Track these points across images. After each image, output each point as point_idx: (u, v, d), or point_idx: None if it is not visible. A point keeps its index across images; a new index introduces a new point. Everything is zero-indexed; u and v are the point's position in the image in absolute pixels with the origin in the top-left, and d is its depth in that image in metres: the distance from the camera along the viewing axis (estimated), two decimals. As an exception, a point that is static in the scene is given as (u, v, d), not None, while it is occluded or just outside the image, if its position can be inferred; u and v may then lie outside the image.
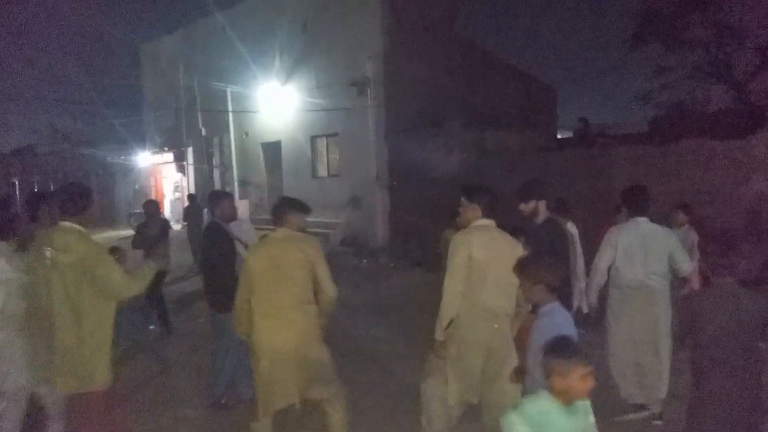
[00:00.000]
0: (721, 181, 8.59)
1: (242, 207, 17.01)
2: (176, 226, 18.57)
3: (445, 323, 3.28)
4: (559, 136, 16.28)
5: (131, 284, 3.03)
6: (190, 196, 13.35)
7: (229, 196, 4.87)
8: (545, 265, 2.66)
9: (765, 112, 8.60)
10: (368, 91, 14.20)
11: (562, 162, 10.50)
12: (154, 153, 21.93)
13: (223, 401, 4.55)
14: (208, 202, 4.79)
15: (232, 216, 4.69)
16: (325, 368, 3.44)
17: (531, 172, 10.71)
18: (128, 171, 23.32)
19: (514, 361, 3.13)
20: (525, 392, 2.74)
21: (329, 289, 3.43)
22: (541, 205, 4.04)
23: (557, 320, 2.56)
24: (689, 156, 8.92)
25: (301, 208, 3.69)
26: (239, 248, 4.54)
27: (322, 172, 16.31)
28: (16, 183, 31.05)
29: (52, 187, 28.33)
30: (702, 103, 14.27)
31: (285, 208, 3.61)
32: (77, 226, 3.00)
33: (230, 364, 4.44)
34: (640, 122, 14.66)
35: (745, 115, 9.75)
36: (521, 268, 2.75)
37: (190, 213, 12.41)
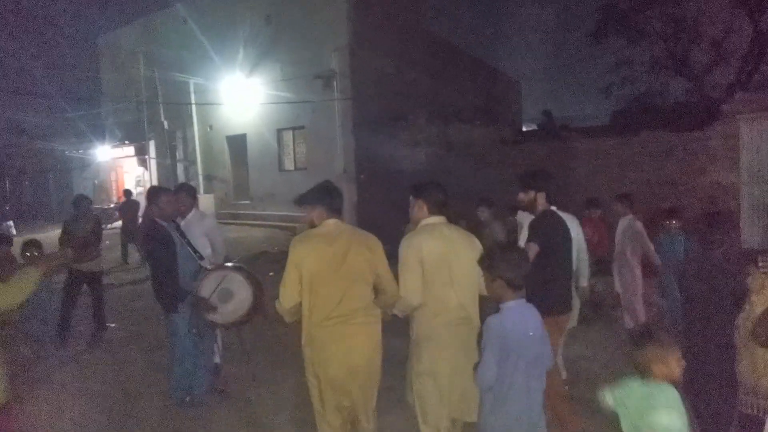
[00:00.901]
0: (680, 171, 8.84)
1: (207, 202, 16.73)
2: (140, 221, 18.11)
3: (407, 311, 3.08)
4: (524, 129, 16.46)
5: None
6: (126, 191, 13.23)
7: (168, 192, 4.53)
8: (504, 260, 2.56)
9: (720, 105, 8.85)
10: (334, 84, 14.10)
11: (525, 155, 10.63)
12: (115, 147, 21.34)
13: (187, 399, 4.46)
14: (146, 200, 4.52)
15: (171, 214, 4.45)
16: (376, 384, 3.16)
17: (495, 166, 10.87)
18: (87, 165, 22.63)
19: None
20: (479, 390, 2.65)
21: (395, 289, 3.06)
22: (540, 196, 3.86)
23: (507, 320, 2.50)
24: (649, 148, 9.15)
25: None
26: (185, 247, 4.34)
27: (289, 165, 16.15)
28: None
29: (7, 183, 27.36)
30: (661, 95, 14.64)
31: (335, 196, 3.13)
32: None
33: (188, 362, 4.34)
34: (602, 115, 14.98)
35: (701, 108, 10.03)
36: (480, 262, 2.72)
37: (126, 208, 12.37)
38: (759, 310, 2.72)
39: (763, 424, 2.72)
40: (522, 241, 4.16)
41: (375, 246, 3.08)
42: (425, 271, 2.98)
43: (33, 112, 23.57)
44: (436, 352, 2.97)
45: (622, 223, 5.91)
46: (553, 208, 3.93)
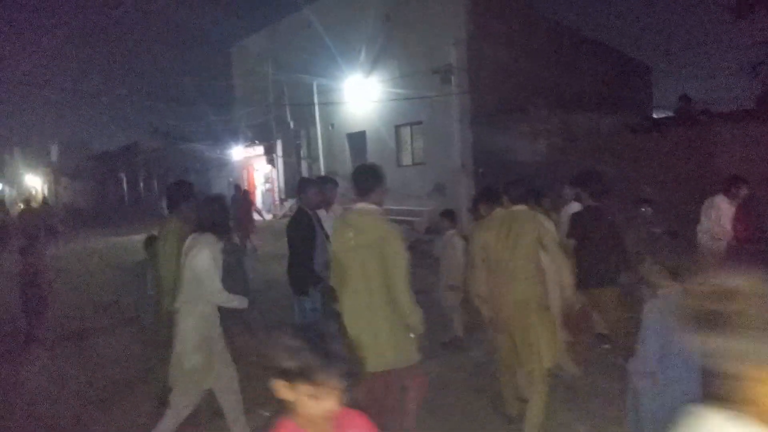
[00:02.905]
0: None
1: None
2: (267, 216, 19.43)
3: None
4: (655, 116, 15.34)
5: None
6: (236, 186, 14.16)
7: (315, 183, 4.97)
8: (667, 248, 2.75)
9: None
10: (452, 78, 14.10)
11: (657, 143, 9.94)
12: (246, 147, 23.02)
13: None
14: (296, 191, 4.95)
15: (317, 203, 4.83)
16: None
17: (622, 155, 10.26)
18: (223, 165, 24.64)
19: None
20: None
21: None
22: (582, 193, 4.58)
23: (666, 306, 2.54)
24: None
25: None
26: (323, 238, 4.64)
27: (407, 160, 16.42)
28: (124, 178, 33.80)
29: (155, 182, 30.56)
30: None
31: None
32: None
33: None
34: (747, 98, 13.54)
35: None
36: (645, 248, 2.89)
37: (235, 203, 12.72)
38: None
39: None
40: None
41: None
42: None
43: (176, 117, 26.08)
44: None
45: None
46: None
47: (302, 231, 4.53)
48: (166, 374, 3.59)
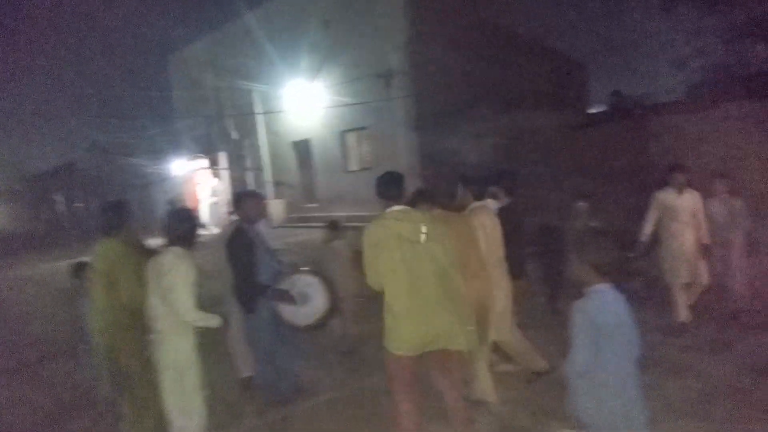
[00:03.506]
0: (765, 144, 8.25)
1: (277, 207, 17.26)
2: (214, 230, 18.98)
3: None
4: (592, 112, 15.85)
5: None
6: (170, 201, 14.04)
7: (252, 196, 4.78)
8: (594, 244, 2.66)
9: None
10: (394, 82, 14.15)
11: (594, 138, 10.26)
12: (189, 160, 22.41)
13: (277, 398, 4.59)
14: (232, 205, 4.79)
15: (255, 217, 4.64)
16: None
17: (564, 152, 10.54)
18: (165, 180, 23.90)
19: None
20: None
21: None
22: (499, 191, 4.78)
23: (594, 304, 2.55)
24: (730, 121, 8.60)
25: None
26: (265, 252, 4.52)
27: (354, 166, 16.37)
28: (60, 198, 32.28)
29: (94, 201, 29.33)
30: (740, 65, 13.67)
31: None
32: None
33: (272, 362, 4.48)
34: (675, 90, 14.15)
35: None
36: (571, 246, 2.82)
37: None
38: None
39: None
40: None
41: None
42: None
43: (115, 132, 25.17)
44: None
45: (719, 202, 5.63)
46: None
47: (242, 248, 4.37)
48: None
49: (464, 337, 3.35)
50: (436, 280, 3.30)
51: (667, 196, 5.55)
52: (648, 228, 5.65)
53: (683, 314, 5.46)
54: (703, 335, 5.22)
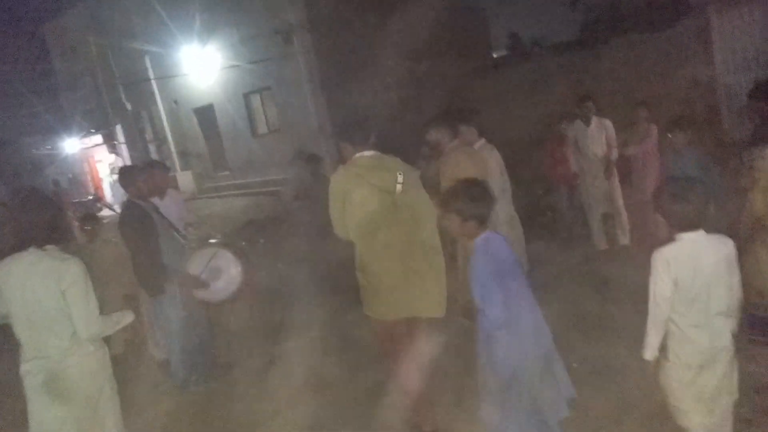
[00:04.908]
0: (655, 73, 8.68)
1: (186, 179, 16.46)
2: (119, 209, 17.75)
3: None
4: (495, 56, 16.09)
5: None
6: (53, 182, 12.94)
7: (141, 169, 4.39)
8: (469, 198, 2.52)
9: None
10: (294, 38, 13.60)
11: (498, 82, 10.42)
12: (83, 137, 20.78)
13: (192, 378, 4.40)
14: (121, 182, 4.32)
15: (149, 193, 4.29)
16: None
17: (471, 97, 10.66)
18: (57, 160, 22.09)
19: None
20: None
21: None
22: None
23: (491, 248, 2.47)
24: (621, 54, 8.97)
25: None
26: (167, 228, 4.23)
27: (262, 129, 15.79)
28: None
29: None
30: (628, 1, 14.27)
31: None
32: None
33: (185, 344, 4.27)
34: (573, 29, 14.61)
35: (670, 5, 9.78)
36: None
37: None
38: (759, 206, 2.66)
39: None
40: None
41: None
42: None
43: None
44: None
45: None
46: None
47: (138, 226, 4.05)
48: None
49: (439, 303, 3.08)
50: (413, 236, 2.98)
51: (577, 128, 5.74)
52: (573, 164, 5.86)
53: (601, 243, 5.74)
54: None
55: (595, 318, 4.23)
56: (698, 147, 4.07)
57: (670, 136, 4.16)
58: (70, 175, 22.47)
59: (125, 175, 4.27)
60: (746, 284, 2.84)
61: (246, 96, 15.60)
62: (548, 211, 7.01)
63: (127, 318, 2.94)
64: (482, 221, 2.46)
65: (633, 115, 5.70)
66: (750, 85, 3.26)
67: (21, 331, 2.65)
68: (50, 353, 2.61)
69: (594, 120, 5.62)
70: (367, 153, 3.05)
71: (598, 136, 5.61)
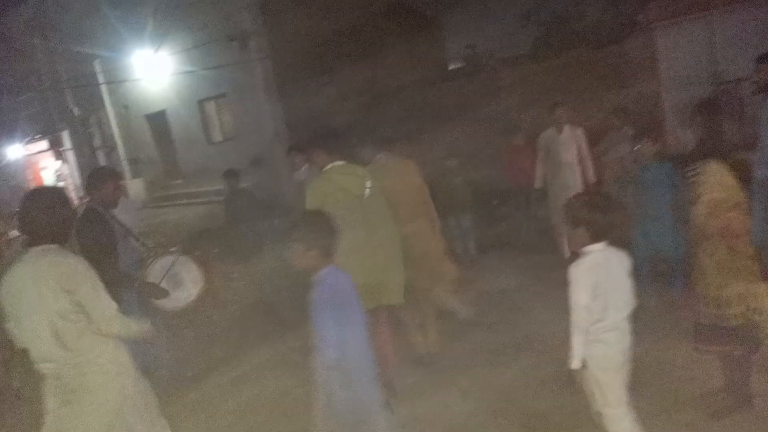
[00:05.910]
0: (604, 87, 8.96)
1: (136, 187, 15.98)
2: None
3: None
4: (450, 68, 16.34)
5: None
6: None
7: (113, 176, 4.23)
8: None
9: (635, 17, 8.97)
10: (251, 45, 13.43)
11: (452, 93, 10.56)
12: (26, 143, 19.91)
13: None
14: (85, 189, 4.24)
15: (113, 200, 4.14)
16: None
17: (427, 107, 10.75)
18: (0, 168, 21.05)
19: None
20: None
21: None
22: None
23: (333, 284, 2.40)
24: (571, 69, 9.23)
25: None
26: (126, 236, 4.09)
27: (217, 137, 15.50)
28: None
29: None
30: (579, 16, 14.72)
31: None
32: None
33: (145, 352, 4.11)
34: (526, 43, 14.95)
35: (618, 22, 10.14)
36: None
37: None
38: (702, 219, 2.76)
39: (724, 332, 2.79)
40: None
41: None
42: None
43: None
44: None
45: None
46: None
47: (97, 234, 3.88)
48: None
49: (399, 293, 3.57)
50: (376, 234, 3.45)
51: (548, 136, 5.73)
52: (539, 172, 5.84)
53: (566, 252, 5.68)
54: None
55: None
56: (666, 159, 4.11)
57: (636, 147, 4.20)
58: (12, 183, 21.44)
59: (97, 177, 4.06)
60: (692, 294, 2.93)
61: (201, 103, 15.32)
62: (504, 221, 7.11)
63: (146, 327, 3.01)
64: (326, 253, 2.39)
65: (607, 123, 5.72)
66: (693, 101, 3.37)
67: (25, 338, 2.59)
68: (56, 358, 2.55)
69: (566, 128, 5.65)
70: (339, 162, 3.54)
71: (570, 143, 5.65)
